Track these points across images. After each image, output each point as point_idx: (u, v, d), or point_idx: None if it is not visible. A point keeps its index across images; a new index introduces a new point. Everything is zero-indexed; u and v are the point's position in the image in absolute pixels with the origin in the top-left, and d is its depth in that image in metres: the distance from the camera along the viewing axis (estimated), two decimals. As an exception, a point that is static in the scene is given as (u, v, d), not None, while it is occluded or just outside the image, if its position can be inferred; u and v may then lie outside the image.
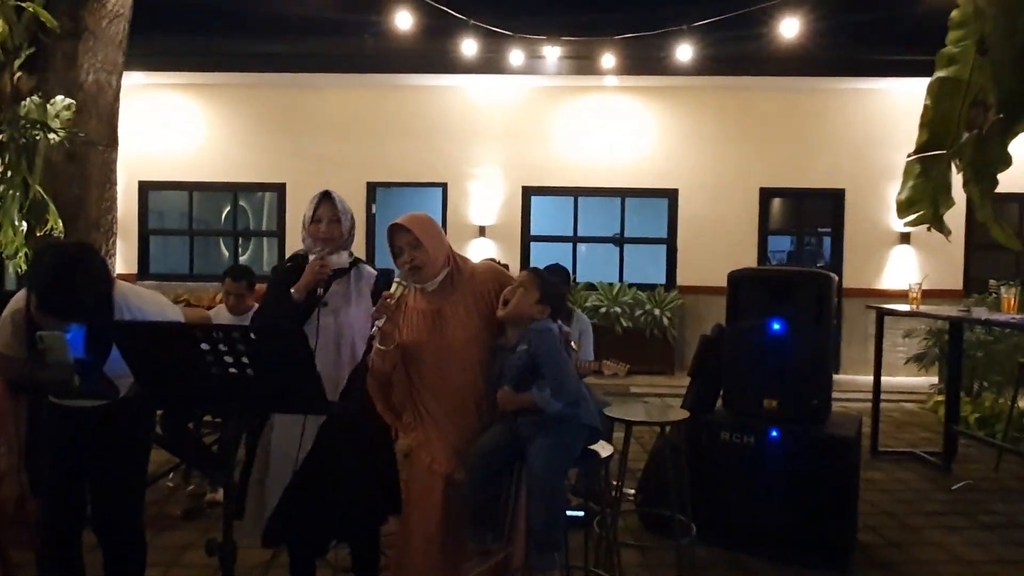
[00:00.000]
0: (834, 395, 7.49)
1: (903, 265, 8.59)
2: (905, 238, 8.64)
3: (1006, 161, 1.39)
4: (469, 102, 8.92)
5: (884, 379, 5.57)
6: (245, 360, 1.90)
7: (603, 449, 2.52)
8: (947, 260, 8.51)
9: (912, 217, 1.80)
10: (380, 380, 2.50)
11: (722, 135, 8.80)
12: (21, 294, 2.41)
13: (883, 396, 6.34)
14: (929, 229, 1.77)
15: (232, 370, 1.93)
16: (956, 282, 8.53)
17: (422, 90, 8.89)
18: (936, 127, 1.65)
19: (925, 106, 1.67)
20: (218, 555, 1.97)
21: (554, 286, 2.47)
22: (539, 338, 2.36)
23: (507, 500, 2.49)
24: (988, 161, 1.34)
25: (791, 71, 8.29)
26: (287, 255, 2.91)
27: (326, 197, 2.73)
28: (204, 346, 1.89)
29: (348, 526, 2.67)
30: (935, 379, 7.50)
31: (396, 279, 2.43)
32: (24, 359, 2.31)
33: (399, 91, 8.90)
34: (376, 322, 2.38)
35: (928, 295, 6.23)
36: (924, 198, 1.71)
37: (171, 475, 4.42)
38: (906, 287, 5.70)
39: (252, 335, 1.88)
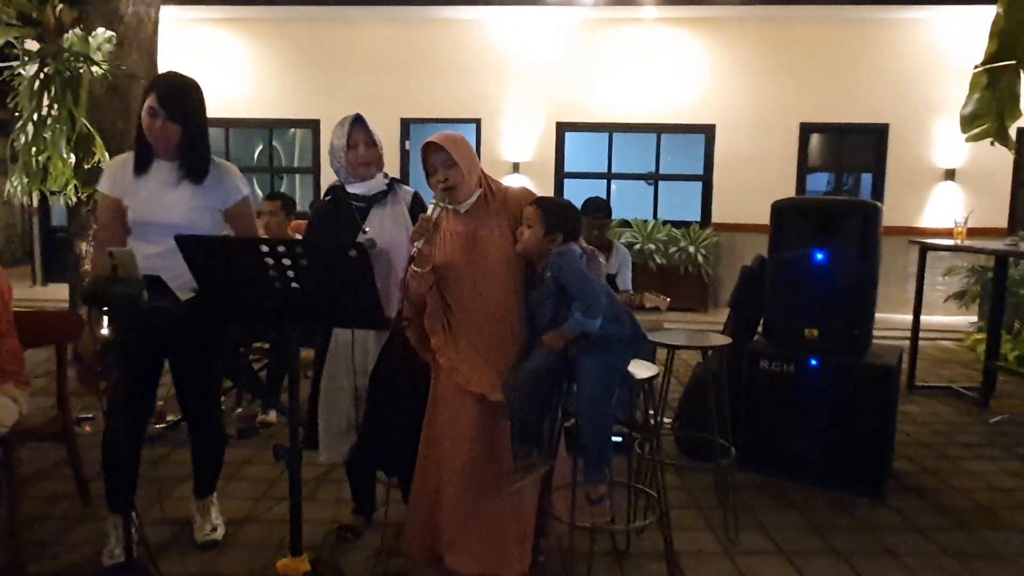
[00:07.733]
0: (870, 332, 7.33)
1: (946, 203, 8.36)
2: (950, 175, 8.41)
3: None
4: (503, 36, 8.76)
5: (922, 318, 5.51)
6: (307, 276, 1.97)
7: (646, 369, 2.57)
8: (992, 197, 8.30)
9: (976, 131, 1.78)
10: (414, 303, 2.50)
11: (761, 68, 8.55)
12: (125, 154, 2.74)
13: (921, 334, 6.27)
14: (992, 144, 1.75)
15: (294, 284, 2.01)
16: (1001, 220, 8.32)
17: (456, 24, 8.74)
18: (1007, 36, 1.62)
19: (997, 14, 1.63)
20: (285, 459, 2.09)
21: (560, 213, 2.46)
22: (560, 260, 2.40)
23: (552, 418, 2.56)
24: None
25: (834, 0, 7.98)
26: (322, 192, 2.94)
27: (357, 121, 2.67)
28: (269, 260, 1.96)
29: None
30: (974, 318, 7.41)
31: (433, 201, 2.44)
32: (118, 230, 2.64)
33: (433, 25, 8.76)
34: (415, 243, 2.39)
35: (971, 233, 6.09)
36: (989, 111, 1.69)
37: (223, 398, 4.60)
38: (950, 225, 5.58)
39: (314, 251, 1.95)
